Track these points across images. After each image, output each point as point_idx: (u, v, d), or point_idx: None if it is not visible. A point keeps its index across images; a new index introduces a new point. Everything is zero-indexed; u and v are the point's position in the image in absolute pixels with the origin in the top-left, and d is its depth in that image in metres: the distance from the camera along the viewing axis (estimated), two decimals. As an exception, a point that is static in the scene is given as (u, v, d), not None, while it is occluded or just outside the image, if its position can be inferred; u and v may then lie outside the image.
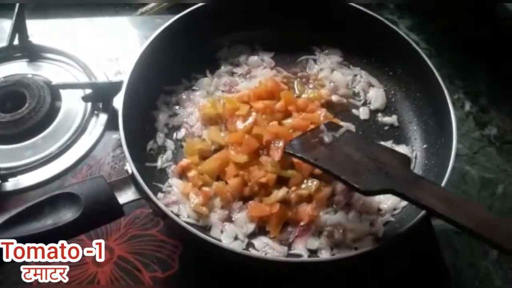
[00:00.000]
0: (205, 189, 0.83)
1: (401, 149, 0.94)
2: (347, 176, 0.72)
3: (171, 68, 0.98)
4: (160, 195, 0.84)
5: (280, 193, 0.83)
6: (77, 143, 0.99)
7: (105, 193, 0.66)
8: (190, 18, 0.97)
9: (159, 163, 0.90)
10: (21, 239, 0.60)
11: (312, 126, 0.89)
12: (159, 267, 0.85)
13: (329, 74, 1.04)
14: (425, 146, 0.94)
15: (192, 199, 0.82)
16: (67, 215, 0.62)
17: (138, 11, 1.33)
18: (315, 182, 0.85)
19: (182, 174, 0.87)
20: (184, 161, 0.87)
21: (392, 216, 0.86)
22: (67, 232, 0.63)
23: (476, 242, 1.07)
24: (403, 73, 1.00)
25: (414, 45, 0.95)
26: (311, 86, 1.02)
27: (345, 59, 1.07)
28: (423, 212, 0.74)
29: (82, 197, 0.64)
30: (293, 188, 0.85)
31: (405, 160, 0.78)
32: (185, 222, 0.74)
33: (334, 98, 1.00)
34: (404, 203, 0.87)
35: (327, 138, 0.81)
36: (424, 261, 0.90)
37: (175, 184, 0.86)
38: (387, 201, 0.87)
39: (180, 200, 0.83)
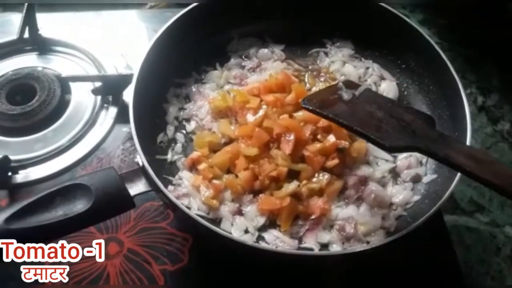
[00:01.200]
0: (216, 182, 0.83)
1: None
2: (371, 132, 0.67)
3: (180, 61, 0.97)
4: (170, 187, 0.83)
5: (291, 186, 0.82)
6: (87, 136, 0.99)
7: (116, 184, 0.66)
8: (199, 11, 0.96)
9: (169, 156, 0.89)
10: (32, 230, 0.60)
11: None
12: (168, 260, 0.84)
13: (341, 67, 1.03)
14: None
15: (202, 191, 0.82)
16: (78, 206, 0.62)
17: (147, 4, 1.33)
18: (326, 175, 0.84)
19: (192, 167, 0.87)
20: (195, 154, 0.87)
21: (404, 210, 0.85)
22: (78, 223, 0.63)
23: (488, 239, 1.06)
24: (416, 66, 0.99)
25: (428, 37, 0.93)
26: (322, 79, 1.01)
27: (357, 51, 1.05)
28: (437, 206, 0.73)
29: (93, 188, 0.64)
30: (304, 181, 0.84)
31: (430, 120, 0.75)
32: (195, 214, 0.74)
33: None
34: (416, 197, 0.86)
35: (346, 95, 0.77)
36: (436, 257, 0.89)
37: (185, 177, 0.85)
38: (399, 195, 0.86)
39: (190, 193, 0.83)
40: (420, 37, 0.94)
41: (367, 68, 1.03)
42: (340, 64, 1.03)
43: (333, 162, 0.85)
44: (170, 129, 0.92)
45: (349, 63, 1.03)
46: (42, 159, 0.95)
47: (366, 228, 0.80)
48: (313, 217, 0.81)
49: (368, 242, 0.78)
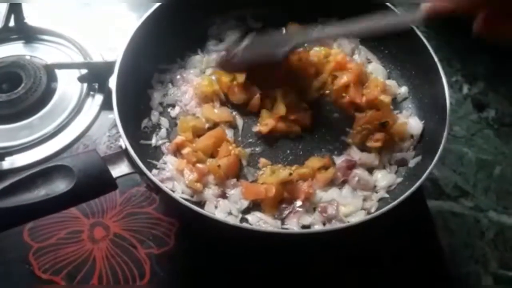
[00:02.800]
0: (199, 165, 0.83)
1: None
2: None
3: (165, 47, 0.97)
4: (154, 171, 0.84)
5: (281, 174, 0.82)
6: (73, 123, 1.00)
7: (98, 166, 0.67)
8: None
9: (153, 141, 0.90)
10: (14, 209, 0.60)
11: None
12: (154, 244, 0.85)
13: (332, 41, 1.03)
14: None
15: (186, 175, 0.82)
16: (60, 186, 0.63)
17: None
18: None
19: (177, 151, 0.87)
20: (178, 139, 0.87)
21: (386, 192, 0.86)
22: (60, 203, 0.63)
23: (472, 223, 1.08)
24: (398, 53, 1.00)
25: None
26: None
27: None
28: (417, 184, 0.74)
29: (75, 170, 0.64)
30: (294, 167, 0.85)
31: None
32: (179, 197, 0.74)
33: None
34: (399, 179, 0.87)
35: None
36: (419, 241, 0.90)
37: (169, 161, 0.86)
38: (383, 180, 0.87)
39: (174, 177, 0.83)
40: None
41: (357, 46, 1.04)
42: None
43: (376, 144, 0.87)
44: (154, 115, 0.93)
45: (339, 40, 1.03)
46: (28, 146, 0.96)
47: (348, 209, 0.81)
48: (298, 203, 0.82)
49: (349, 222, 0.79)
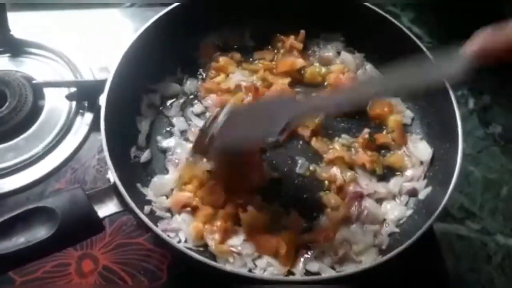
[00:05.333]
0: (219, 223, 0.76)
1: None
2: None
3: (158, 63, 0.93)
4: (146, 208, 0.77)
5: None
6: (61, 145, 0.94)
7: (83, 206, 0.61)
8: (177, 14, 0.91)
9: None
10: (-10, 260, 0.55)
11: None
12: (145, 278, 0.80)
13: (335, 57, 0.98)
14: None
15: (210, 241, 0.75)
16: (42, 232, 0.58)
17: (127, 2, 1.27)
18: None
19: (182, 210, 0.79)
20: (182, 196, 0.79)
21: (396, 226, 0.81)
22: (41, 251, 0.58)
23: (479, 247, 1.04)
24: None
25: (417, 40, 0.89)
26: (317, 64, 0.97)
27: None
28: (428, 223, 0.70)
29: (58, 211, 0.59)
30: None
31: None
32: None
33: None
34: (409, 211, 0.82)
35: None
36: (424, 265, 0.86)
37: (178, 221, 0.78)
38: (393, 212, 0.82)
39: (180, 227, 0.77)
40: (408, 39, 0.90)
41: (362, 62, 0.99)
42: (334, 53, 0.98)
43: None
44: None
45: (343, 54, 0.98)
46: (13, 170, 0.90)
47: (359, 247, 0.76)
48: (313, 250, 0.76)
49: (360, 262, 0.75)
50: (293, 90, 0.93)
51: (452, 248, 1.02)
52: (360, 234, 0.78)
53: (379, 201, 0.83)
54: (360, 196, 0.80)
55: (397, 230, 0.80)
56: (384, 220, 0.81)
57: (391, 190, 0.83)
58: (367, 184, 0.83)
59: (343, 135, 0.89)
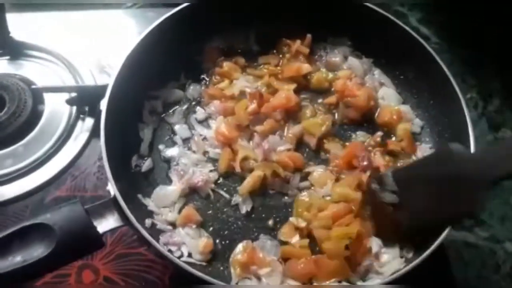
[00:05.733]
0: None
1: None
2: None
3: (160, 68, 0.90)
4: (148, 221, 0.75)
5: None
6: (61, 151, 0.93)
7: (82, 221, 0.59)
8: (183, 15, 0.89)
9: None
10: (-15, 280, 0.53)
11: None
12: (147, 290, 0.79)
13: (342, 62, 0.96)
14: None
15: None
16: (39, 250, 0.56)
17: (128, 3, 1.24)
18: None
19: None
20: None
21: None
22: (38, 270, 0.56)
23: (488, 255, 1.02)
24: (415, 79, 0.93)
25: (426, 45, 0.87)
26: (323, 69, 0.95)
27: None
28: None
29: (56, 228, 0.57)
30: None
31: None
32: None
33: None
34: None
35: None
36: (431, 273, 0.83)
37: (181, 234, 0.76)
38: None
39: (184, 241, 0.75)
40: (418, 44, 0.88)
41: (370, 67, 0.96)
42: (341, 58, 0.96)
43: None
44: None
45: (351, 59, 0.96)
46: (12, 177, 0.89)
47: (386, 258, 0.76)
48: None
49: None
50: (298, 96, 0.90)
51: (460, 256, 1.00)
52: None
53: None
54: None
55: None
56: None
57: None
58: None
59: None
